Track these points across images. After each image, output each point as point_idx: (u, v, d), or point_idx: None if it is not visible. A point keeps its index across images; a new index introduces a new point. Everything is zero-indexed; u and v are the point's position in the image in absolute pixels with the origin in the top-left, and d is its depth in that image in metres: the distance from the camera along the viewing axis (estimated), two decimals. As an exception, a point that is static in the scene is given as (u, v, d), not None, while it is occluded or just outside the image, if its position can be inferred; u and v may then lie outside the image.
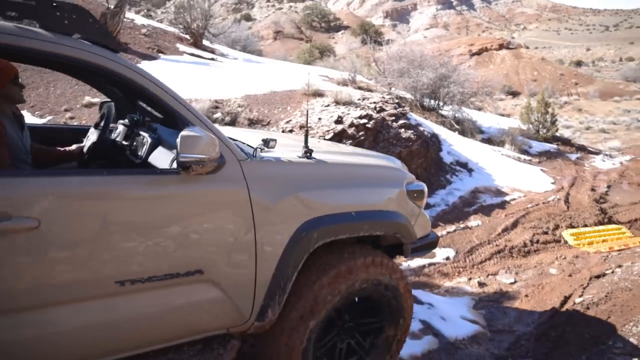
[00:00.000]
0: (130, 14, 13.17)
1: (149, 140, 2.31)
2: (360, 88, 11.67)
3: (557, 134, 14.82)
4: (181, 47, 11.96)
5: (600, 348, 3.78)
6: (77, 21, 1.86)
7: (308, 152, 2.46)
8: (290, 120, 6.51)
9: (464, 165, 9.29)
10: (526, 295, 5.06)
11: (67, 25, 1.84)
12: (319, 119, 6.66)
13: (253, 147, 2.29)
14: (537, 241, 6.50)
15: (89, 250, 1.76)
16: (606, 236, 7.00)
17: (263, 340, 2.45)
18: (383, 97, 9.53)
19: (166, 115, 2.17)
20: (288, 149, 2.57)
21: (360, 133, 7.12)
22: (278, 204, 2.18)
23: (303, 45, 39.86)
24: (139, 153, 2.36)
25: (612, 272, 5.52)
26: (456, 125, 12.43)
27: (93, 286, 1.79)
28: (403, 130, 8.30)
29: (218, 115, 6.83)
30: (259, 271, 2.16)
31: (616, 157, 13.92)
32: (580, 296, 4.94)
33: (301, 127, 6.38)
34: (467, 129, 12.45)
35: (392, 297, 2.70)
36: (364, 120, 7.51)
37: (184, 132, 1.83)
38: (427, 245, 3.15)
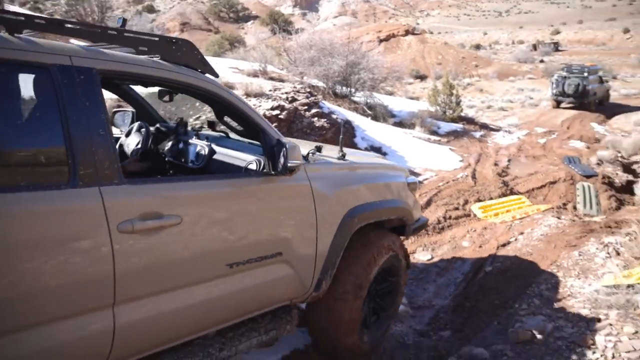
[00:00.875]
0: (13, 7, 11.91)
1: (206, 149, 2.87)
2: (271, 79, 11.53)
3: (462, 114, 15.69)
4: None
5: (509, 312, 4.05)
6: (186, 53, 2.29)
7: (343, 155, 3.14)
8: (200, 117, 6.26)
9: (378, 150, 9.53)
10: (443, 269, 5.31)
11: (179, 57, 2.25)
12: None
13: (306, 152, 2.83)
14: (450, 217, 6.84)
15: (216, 239, 2.20)
16: (509, 206, 7.54)
17: (315, 308, 3.04)
18: (295, 87, 9.49)
19: (249, 129, 2.56)
20: (329, 152, 3.17)
21: (274, 125, 7.01)
22: (333, 196, 2.78)
23: (212, 37, 38.62)
24: (192, 159, 2.96)
25: (516, 239, 5.95)
26: (369, 111, 12.71)
27: (214, 269, 2.22)
28: (316, 119, 8.32)
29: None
30: (319, 251, 2.71)
31: (514, 133, 15.06)
32: (490, 265, 5.27)
33: (210, 123, 6.15)
34: (379, 113, 12.77)
35: (400, 262, 3.49)
36: (277, 112, 7.42)
37: (289, 144, 2.34)
38: (421, 226, 3.93)
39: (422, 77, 34.52)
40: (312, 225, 2.65)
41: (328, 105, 10.55)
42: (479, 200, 7.70)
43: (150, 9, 51.14)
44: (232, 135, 3.23)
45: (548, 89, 22.38)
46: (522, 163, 10.64)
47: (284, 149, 2.32)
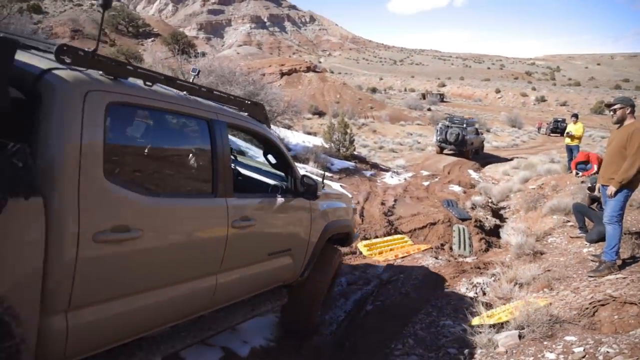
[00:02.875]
0: None
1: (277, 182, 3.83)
2: (166, 100, 11.03)
3: (356, 152, 16.34)
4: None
5: (385, 352, 4.12)
6: (260, 112, 3.56)
7: (323, 185, 4.21)
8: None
9: (272, 182, 9.46)
10: (327, 308, 5.28)
11: (257, 114, 3.49)
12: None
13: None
14: (336, 254, 6.91)
15: (267, 235, 3.37)
16: (393, 245, 7.86)
17: (297, 289, 4.02)
18: (190, 111, 9.15)
19: (282, 164, 3.69)
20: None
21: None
22: (321, 212, 4.01)
23: (107, 49, 36.40)
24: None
25: (397, 278, 6.17)
26: (265, 142, 12.65)
27: (262, 256, 3.32)
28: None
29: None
30: (308, 249, 3.87)
31: (402, 174, 16.00)
32: (371, 303, 5.36)
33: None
34: (276, 146, 12.76)
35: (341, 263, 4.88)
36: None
37: (318, 182, 3.65)
38: (354, 238, 5.10)
39: (320, 114, 35.63)
40: (308, 231, 3.82)
41: (224, 132, 10.32)
42: (365, 238, 7.94)
43: (37, 9, 46.83)
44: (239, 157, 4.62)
45: (433, 135, 24.32)
46: (406, 204, 11.25)
47: (317, 184, 3.58)
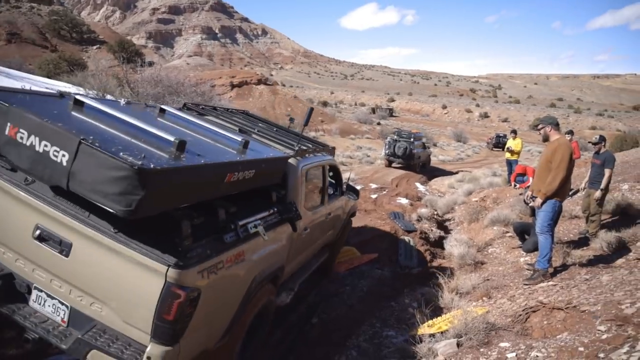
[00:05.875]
0: None
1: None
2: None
3: (305, 165, 16.31)
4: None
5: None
6: (332, 151, 6.04)
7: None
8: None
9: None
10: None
11: (331, 153, 5.94)
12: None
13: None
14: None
15: (332, 221, 5.85)
16: (341, 257, 7.90)
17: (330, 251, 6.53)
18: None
19: (338, 180, 6.18)
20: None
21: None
22: (353, 202, 7.05)
23: (47, 55, 34.78)
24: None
25: (343, 290, 6.21)
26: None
27: (325, 236, 5.81)
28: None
29: None
30: (341, 225, 6.52)
31: (351, 186, 16.13)
32: (317, 316, 5.35)
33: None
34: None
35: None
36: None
37: (356, 188, 7.71)
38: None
39: (272, 126, 35.48)
40: (344, 213, 6.49)
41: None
42: (313, 250, 7.92)
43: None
44: None
45: (382, 149, 24.82)
46: (355, 216, 11.35)
47: (356, 191, 7.28)
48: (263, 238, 3.36)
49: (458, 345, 3.85)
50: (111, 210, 2.30)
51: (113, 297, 2.70)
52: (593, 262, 5.82)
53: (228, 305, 3.11)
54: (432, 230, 10.74)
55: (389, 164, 22.94)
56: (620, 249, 6.11)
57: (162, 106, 4.11)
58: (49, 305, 2.86)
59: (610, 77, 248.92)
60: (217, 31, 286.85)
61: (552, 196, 5.30)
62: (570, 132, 11.87)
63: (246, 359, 3.68)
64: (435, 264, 8.54)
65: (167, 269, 2.52)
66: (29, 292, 2.91)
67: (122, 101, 3.73)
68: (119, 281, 2.66)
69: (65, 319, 2.82)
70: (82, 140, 2.33)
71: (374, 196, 14.74)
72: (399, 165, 22.70)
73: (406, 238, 9.51)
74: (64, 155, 2.37)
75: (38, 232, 2.82)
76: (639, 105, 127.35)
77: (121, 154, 2.27)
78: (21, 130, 2.49)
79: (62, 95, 3.26)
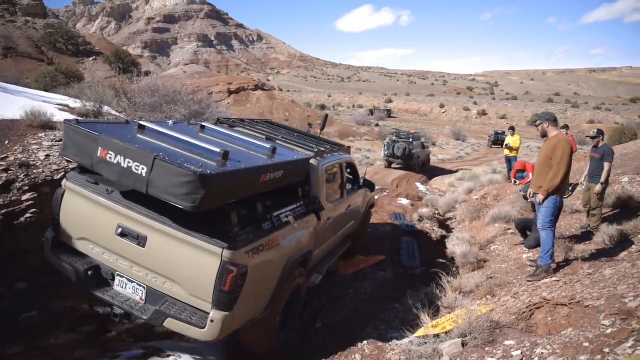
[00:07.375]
0: None
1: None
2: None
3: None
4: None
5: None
6: (349, 150, 6.83)
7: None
8: (6, 157, 5.40)
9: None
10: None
11: (347, 152, 6.75)
12: (47, 155, 5.71)
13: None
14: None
15: (353, 212, 6.78)
16: (343, 260, 7.88)
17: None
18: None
19: (355, 176, 7.04)
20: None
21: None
22: (370, 195, 7.95)
23: (44, 68, 34.79)
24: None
25: (346, 294, 6.19)
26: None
27: (349, 224, 6.65)
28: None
29: None
30: (361, 215, 7.38)
31: (351, 189, 16.10)
32: (320, 321, 5.34)
33: (20, 165, 5.37)
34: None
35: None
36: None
37: (372, 182, 8.35)
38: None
39: (270, 131, 35.44)
40: (363, 204, 7.29)
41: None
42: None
43: (-34, 28, 44.19)
44: None
45: (382, 150, 24.82)
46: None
47: (372, 185, 8.08)
48: (293, 226, 4.11)
49: (463, 345, 3.83)
50: (181, 207, 3.00)
51: (181, 276, 3.43)
52: (595, 256, 5.81)
53: (269, 282, 3.87)
54: (433, 229, 10.73)
55: (389, 165, 22.93)
56: (623, 242, 6.10)
57: (202, 123, 4.96)
58: (129, 288, 3.67)
59: (607, 70, 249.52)
60: (212, 38, 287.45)
61: (553, 192, 5.30)
62: (566, 127, 11.89)
63: (283, 330, 4.48)
64: (437, 263, 8.52)
65: (222, 251, 3.27)
66: (113, 279, 3.74)
67: (170, 122, 4.55)
68: (186, 263, 3.38)
69: (143, 298, 3.61)
70: (156, 157, 3.07)
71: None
72: (399, 165, 22.70)
73: (408, 238, 9.50)
74: (143, 169, 3.11)
75: (120, 229, 3.59)
76: (636, 98, 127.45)
77: (185, 164, 3.01)
78: (110, 152, 3.24)
79: (127, 122, 4.12)
